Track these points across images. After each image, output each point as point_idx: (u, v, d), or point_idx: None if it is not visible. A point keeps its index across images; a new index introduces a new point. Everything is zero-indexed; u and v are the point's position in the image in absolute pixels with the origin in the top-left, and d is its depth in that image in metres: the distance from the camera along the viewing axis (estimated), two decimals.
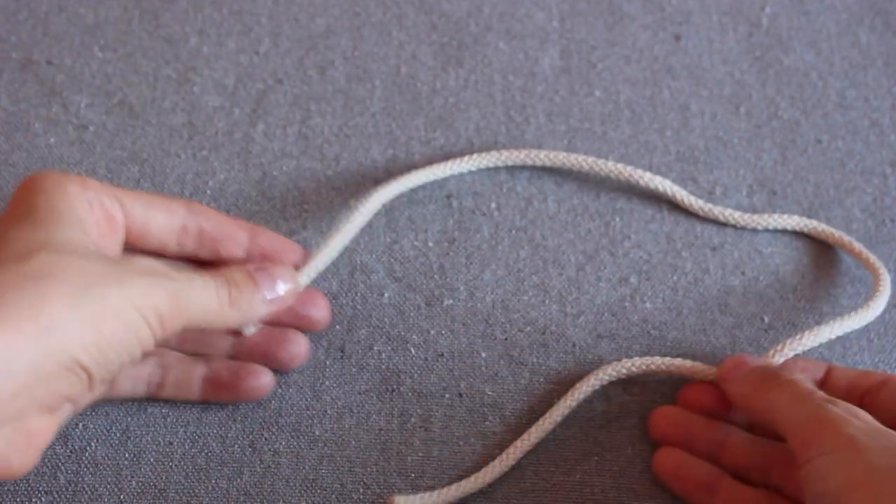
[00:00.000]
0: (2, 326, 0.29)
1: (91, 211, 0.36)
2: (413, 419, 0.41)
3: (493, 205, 0.47)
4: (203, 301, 0.35)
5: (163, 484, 0.40)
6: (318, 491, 0.40)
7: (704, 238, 0.46)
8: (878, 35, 0.52)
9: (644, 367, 0.41)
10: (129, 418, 0.41)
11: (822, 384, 0.40)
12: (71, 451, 0.40)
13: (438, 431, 0.41)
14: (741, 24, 0.52)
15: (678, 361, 0.41)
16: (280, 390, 0.42)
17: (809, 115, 0.50)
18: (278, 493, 0.39)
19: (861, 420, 0.34)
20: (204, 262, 0.40)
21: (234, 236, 0.40)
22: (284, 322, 0.41)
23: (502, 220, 0.46)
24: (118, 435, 0.41)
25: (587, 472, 0.40)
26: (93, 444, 0.40)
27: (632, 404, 0.42)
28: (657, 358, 0.41)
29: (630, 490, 0.40)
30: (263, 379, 0.40)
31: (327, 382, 0.42)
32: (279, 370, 0.41)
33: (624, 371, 0.41)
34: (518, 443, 0.40)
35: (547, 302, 0.44)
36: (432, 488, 0.40)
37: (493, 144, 0.48)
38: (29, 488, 0.39)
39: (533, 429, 0.40)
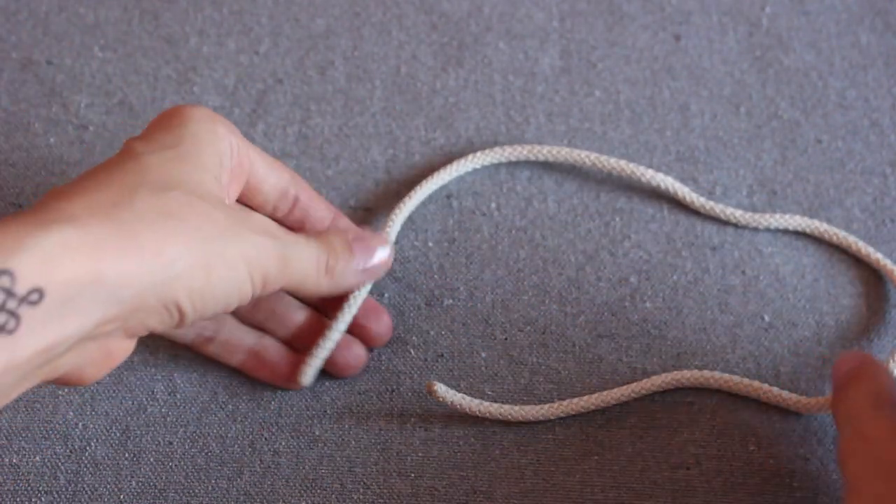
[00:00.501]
0: (125, 255, 0.30)
1: (230, 157, 0.36)
2: (413, 419, 0.41)
3: (493, 205, 0.47)
4: (303, 266, 0.36)
5: (163, 484, 0.40)
6: (318, 491, 0.40)
7: (704, 237, 0.46)
8: (878, 35, 0.52)
9: (737, 385, 0.41)
10: (129, 418, 0.41)
11: None
12: (71, 451, 0.40)
13: (438, 431, 0.41)
14: (741, 24, 0.52)
15: (773, 389, 0.41)
16: (280, 391, 0.42)
17: (809, 115, 0.49)
18: (278, 493, 0.39)
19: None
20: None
21: (321, 212, 0.41)
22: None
23: (502, 220, 0.46)
24: (118, 435, 0.41)
25: (587, 472, 0.40)
26: (93, 444, 0.40)
27: (632, 404, 0.42)
28: (755, 382, 0.41)
29: (630, 490, 0.40)
30: (308, 373, 0.41)
31: (327, 383, 0.42)
32: (331, 375, 0.42)
33: (704, 379, 0.41)
34: (569, 403, 0.41)
35: (547, 302, 0.44)
36: (433, 488, 0.40)
37: (492, 144, 0.48)
38: (29, 488, 0.39)
39: (595, 396, 0.41)
